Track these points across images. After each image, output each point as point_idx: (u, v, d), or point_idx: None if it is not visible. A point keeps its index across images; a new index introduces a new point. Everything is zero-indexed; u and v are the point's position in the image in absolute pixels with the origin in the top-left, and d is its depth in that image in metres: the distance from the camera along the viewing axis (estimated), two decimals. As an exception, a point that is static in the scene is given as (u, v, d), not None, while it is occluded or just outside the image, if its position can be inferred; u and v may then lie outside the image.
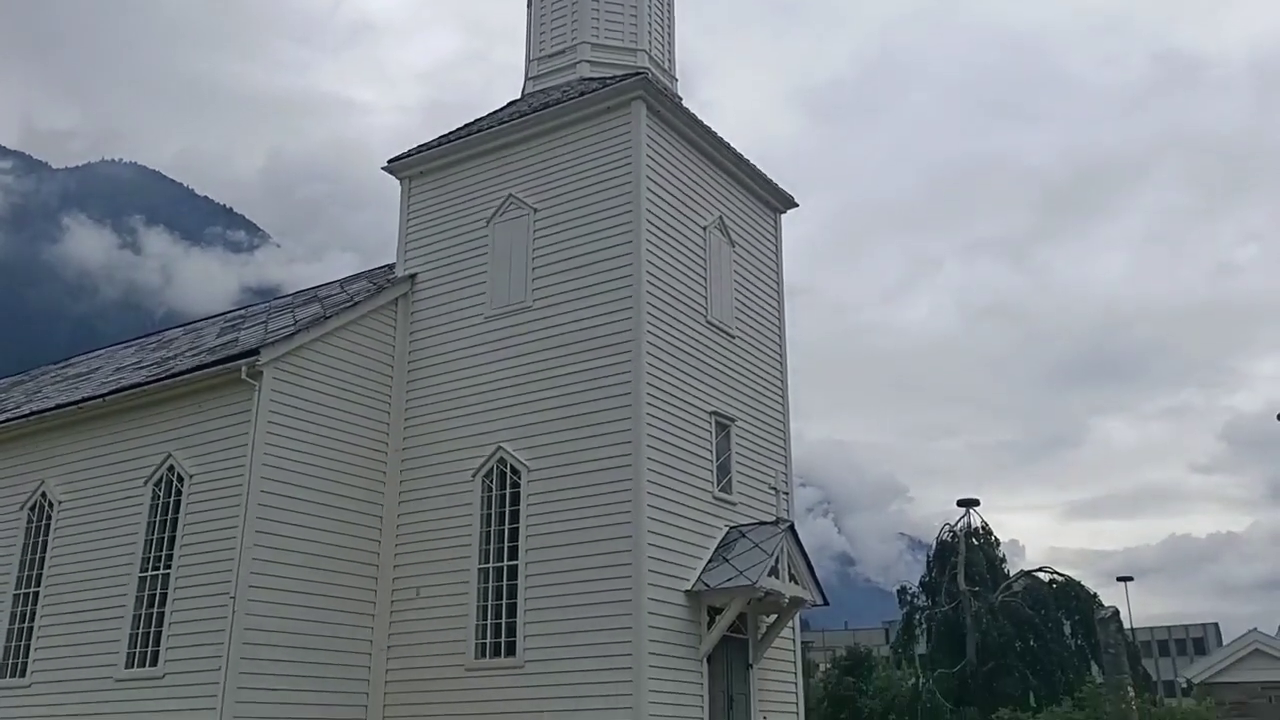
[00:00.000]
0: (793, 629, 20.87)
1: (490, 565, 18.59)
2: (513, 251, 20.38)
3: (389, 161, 22.80)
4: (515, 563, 18.27)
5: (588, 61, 22.69)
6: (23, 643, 20.00)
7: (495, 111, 23.10)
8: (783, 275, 23.74)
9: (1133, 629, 52.88)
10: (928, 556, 49.30)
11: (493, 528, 18.81)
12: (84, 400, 20.78)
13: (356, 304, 20.43)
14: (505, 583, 18.31)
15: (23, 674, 19.68)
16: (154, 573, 18.49)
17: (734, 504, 19.81)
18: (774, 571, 18.53)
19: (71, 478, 20.53)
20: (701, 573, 18.28)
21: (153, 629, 18.07)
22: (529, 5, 24.50)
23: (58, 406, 21.31)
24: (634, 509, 17.34)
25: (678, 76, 24.14)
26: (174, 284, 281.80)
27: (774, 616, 19.72)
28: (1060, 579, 45.13)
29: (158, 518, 18.86)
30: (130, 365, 24.02)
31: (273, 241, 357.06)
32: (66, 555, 19.96)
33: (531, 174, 20.73)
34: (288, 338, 18.73)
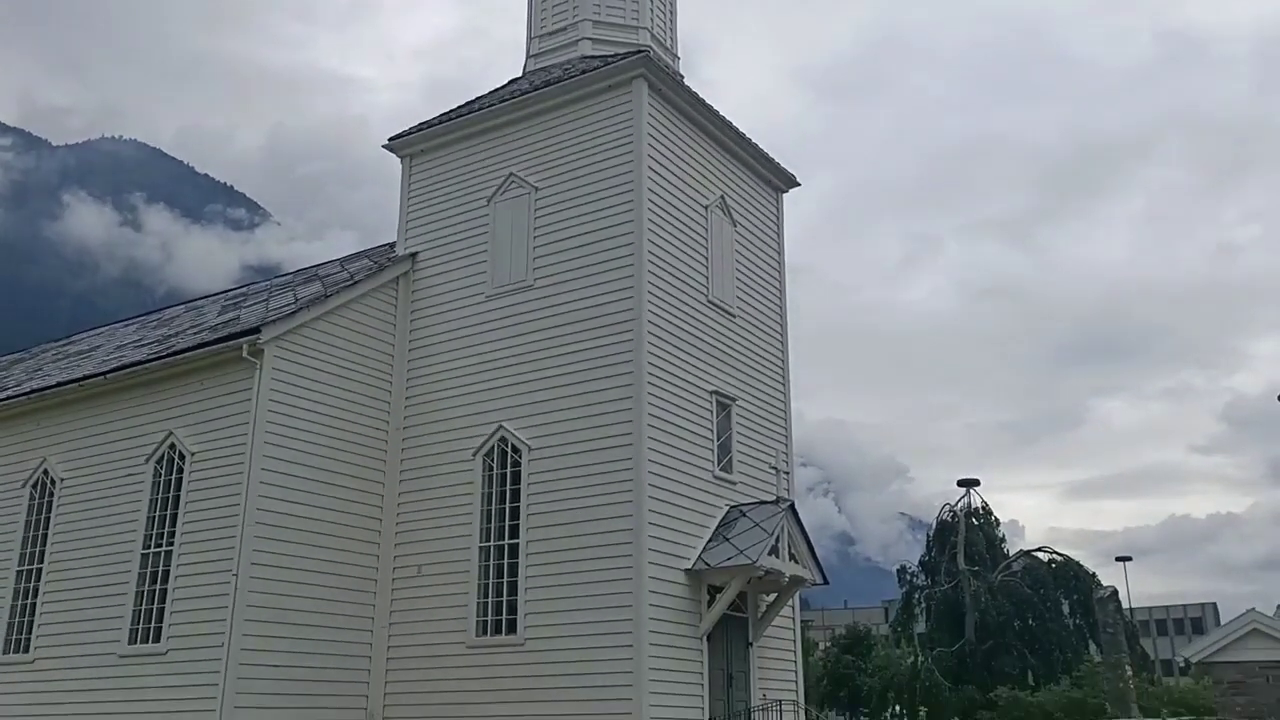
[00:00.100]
0: (792, 608, 20.95)
1: (491, 544, 18.65)
2: (514, 230, 20.33)
3: (389, 139, 22.72)
4: (516, 541, 18.33)
5: (589, 39, 22.58)
6: (26, 619, 20.09)
7: (496, 89, 23.01)
8: (784, 255, 23.70)
9: (1131, 608, 53.11)
10: (927, 536, 49.46)
11: (493, 506, 18.85)
12: (85, 378, 20.80)
13: (357, 283, 20.41)
14: (506, 561, 18.37)
15: (26, 650, 19.78)
16: (156, 550, 18.54)
17: (734, 483, 19.85)
18: (774, 550, 18.58)
19: (73, 455, 20.57)
20: (702, 551, 18.34)
21: (155, 605, 18.15)
22: (530, -18, 24.33)
23: (59, 384, 21.33)
24: (634, 488, 17.37)
25: (679, 55, 24.02)
26: (174, 261, 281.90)
27: (774, 595, 19.79)
28: (1059, 559, 45.28)
29: (159, 495, 18.91)
30: (131, 343, 24.03)
31: (273, 219, 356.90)
32: (69, 532, 20.03)
33: (532, 152, 20.66)
34: (289, 316, 18.72)
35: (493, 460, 19.13)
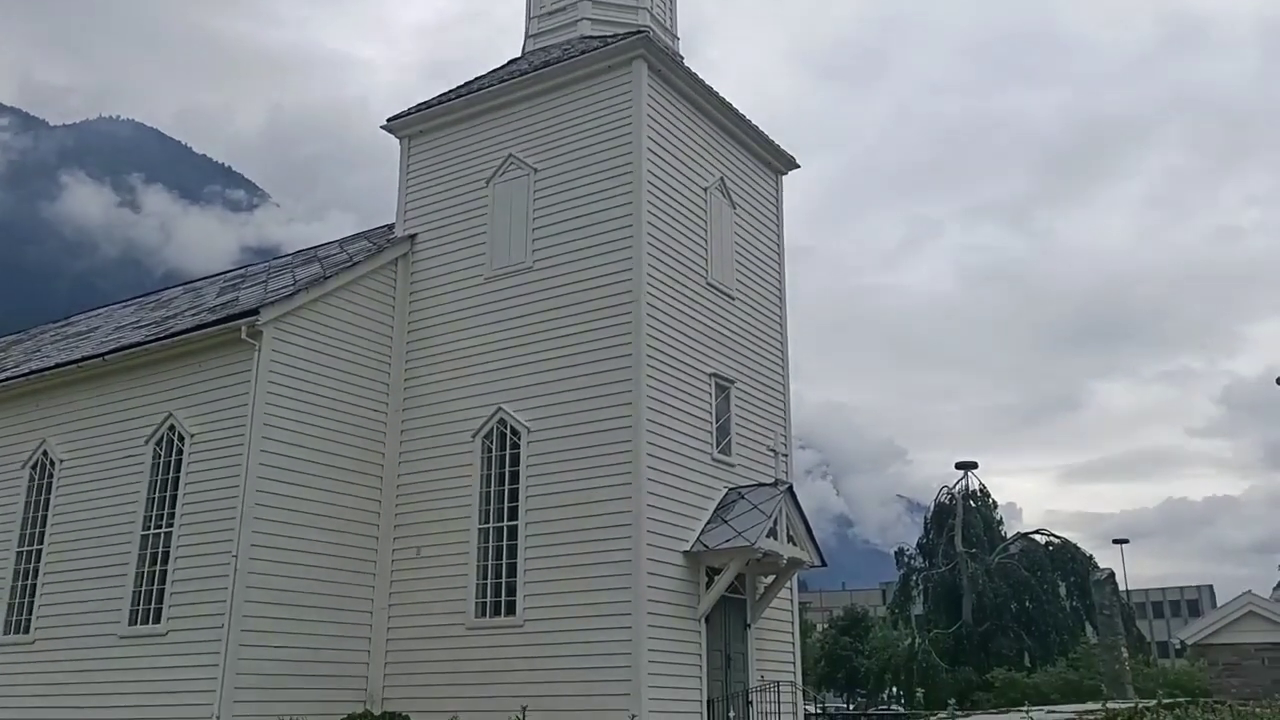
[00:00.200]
0: (790, 590, 21.01)
1: (490, 525, 18.69)
2: (513, 212, 20.29)
3: (388, 120, 22.64)
4: (515, 523, 18.36)
5: (589, 19, 22.46)
6: (26, 600, 20.14)
7: (495, 70, 22.91)
8: (783, 237, 23.66)
9: (1128, 591, 53.26)
10: (925, 519, 49.72)
11: (493, 488, 18.88)
12: (84, 359, 20.79)
13: (356, 264, 20.38)
14: (505, 543, 18.41)
15: (26, 631, 19.84)
16: (156, 531, 18.58)
17: (733, 465, 19.88)
18: (772, 533, 18.62)
19: (72, 436, 20.59)
20: (700, 534, 18.38)
21: (155, 587, 18.19)
22: (529, -38, 24.19)
23: (57, 365, 21.32)
24: (633, 470, 17.40)
25: (679, 35, 23.90)
26: (173, 242, 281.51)
27: (772, 577, 19.85)
28: (1056, 541, 45.52)
29: (159, 477, 18.93)
30: (130, 324, 24.00)
31: (272, 201, 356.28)
32: (69, 513, 20.06)
33: (531, 133, 20.59)
34: (288, 297, 18.70)
35: (492, 442, 19.15)
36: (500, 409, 19.08)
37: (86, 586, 19.06)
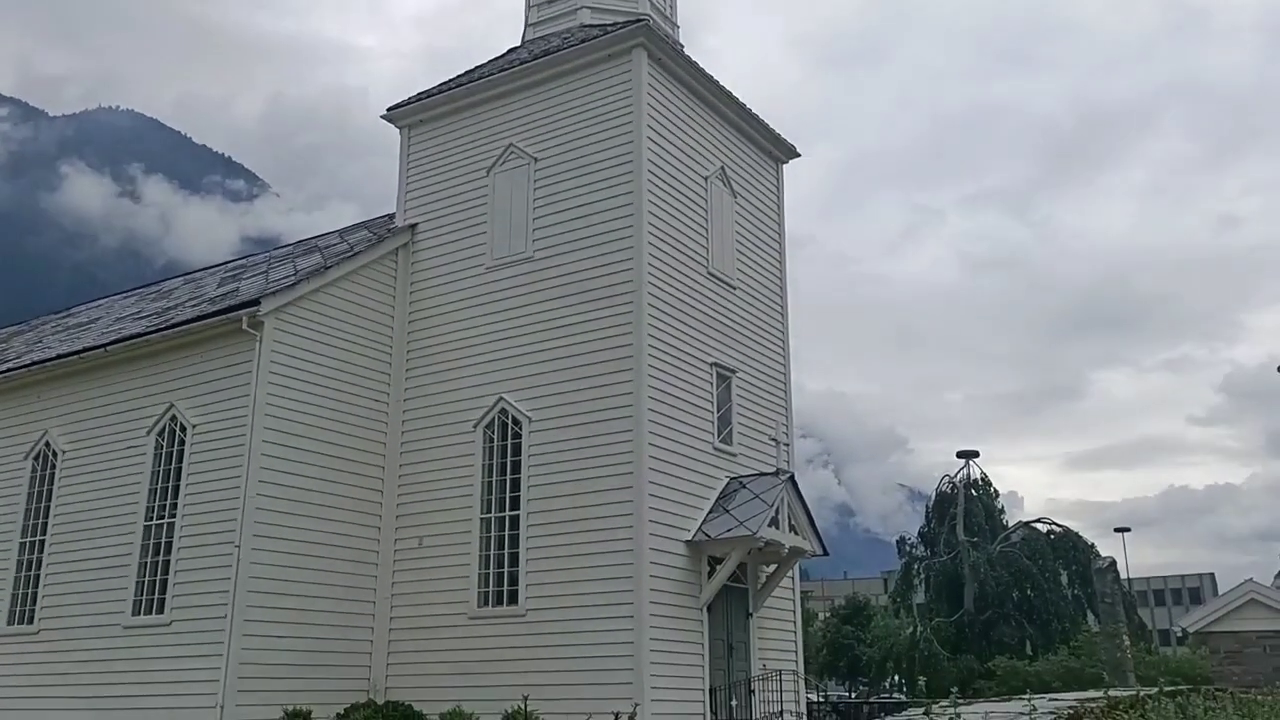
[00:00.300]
0: (792, 579, 21.04)
1: (492, 515, 18.70)
2: (513, 201, 20.25)
3: (388, 110, 22.59)
4: (517, 513, 18.38)
5: (588, 8, 22.38)
6: (30, 590, 20.19)
7: (495, 59, 22.85)
8: (784, 226, 23.62)
9: (1129, 579, 53.38)
10: (927, 507, 49.74)
11: (494, 478, 18.90)
12: (85, 350, 20.79)
13: (357, 254, 20.36)
14: (507, 532, 18.43)
15: (31, 621, 19.89)
16: (158, 522, 18.60)
17: (734, 455, 19.88)
18: (774, 522, 18.64)
19: (74, 427, 20.60)
20: (702, 523, 18.40)
21: (159, 577, 18.23)
22: (529, -50, 24.10)
23: (59, 356, 21.33)
24: (635, 460, 17.40)
25: (679, 23, 23.81)
26: (173, 233, 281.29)
27: (774, 566, 19.87)
28: (1058, 530, 45.53)
29: (161, 467, 18.95)
30: (130, 315, 24.00)
31: (272, 191, 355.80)
32: (71, 504, 20.09)
33: (531, 123, 20.54)
34: (288, 288, 18.69)
35: (493, 432, 19.16)
36: (501, 399, 19.07)
37: (90, 577, 19.10)
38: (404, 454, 19.90)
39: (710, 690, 17.81)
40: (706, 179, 20.84)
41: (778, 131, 23.22)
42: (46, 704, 18.45)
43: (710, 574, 18.28)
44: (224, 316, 18.52)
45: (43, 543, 20.31)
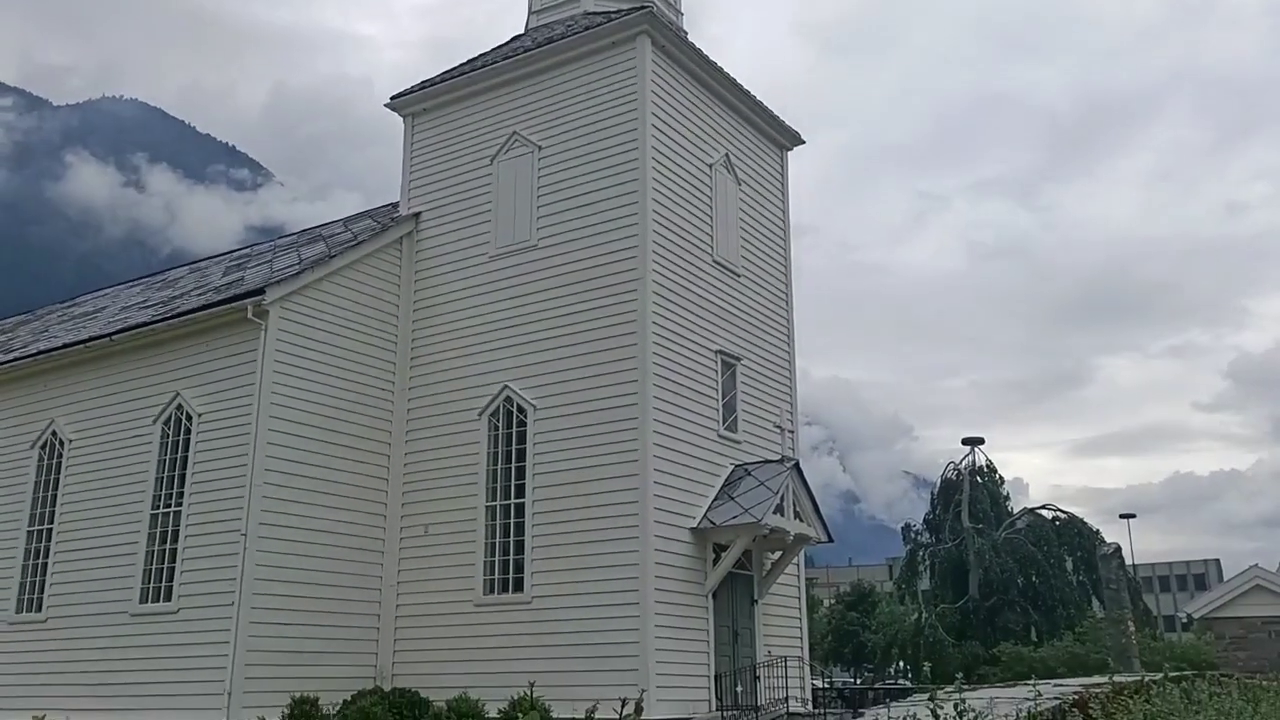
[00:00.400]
0: (797, 565, 21.07)
1: (498, 503, 18.74)
2: (517, 190, 20.23)
3: (392, 98, 22.55)
4: (522, 501, 18.41)
5: (592, -5, 22.30)
6: (38, 579, 20.27)
7: (499, 47, 22.80)
8: (789, 213, 23.58)
9: (1134, 565, 53.37)
10: (932, 494, 49.77)
11: (499, 466, 18.93)
12: (91, 339, 20.84)
13: (361, 243, 20.36)
14: (512, 520, 18.47)
15: (39, 609, 19.98)
16: (165, 510, 18.67)
17: (739, 442, 19.89)
18: (779, 509, 18.66)
19: (81, 416, 20.66)
20: (707, 510, 18.42)
21: (166, 565, 18.30)
22: (532, -63, 24.01)
23: (65, 346, 21.38)
24: (640, 447, 17.42)
25: (683, 10, 23.75)
26: (178, 222, 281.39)
27: (779, 553, 19.90)
28: (1063, 516, 45.54)
29: (167, 456, 19.01)
30: (136, 304, 24.04)
31: (276, 180, 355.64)
32: (78, 493, 20.16)
33: (535, 111, 20.50)
34: (293, 277, 18.71)
35: (498, 420, 19.18)
36: (506, 387, 19.09)
37: (97, 565, 19.19)
38: (409, 442, 19.94)
39: (716, 677, 17.86)
40: (711, 166, 20.80)
41: (782, 118, 23.16)
42: (55, 691, 18.53)
43: (715, 561, 18.31)
44: (229, 305, 18.55)
45: (50, 531, 20.39)
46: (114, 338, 20.24)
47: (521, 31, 23.42)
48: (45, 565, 20.22)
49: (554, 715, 14.90)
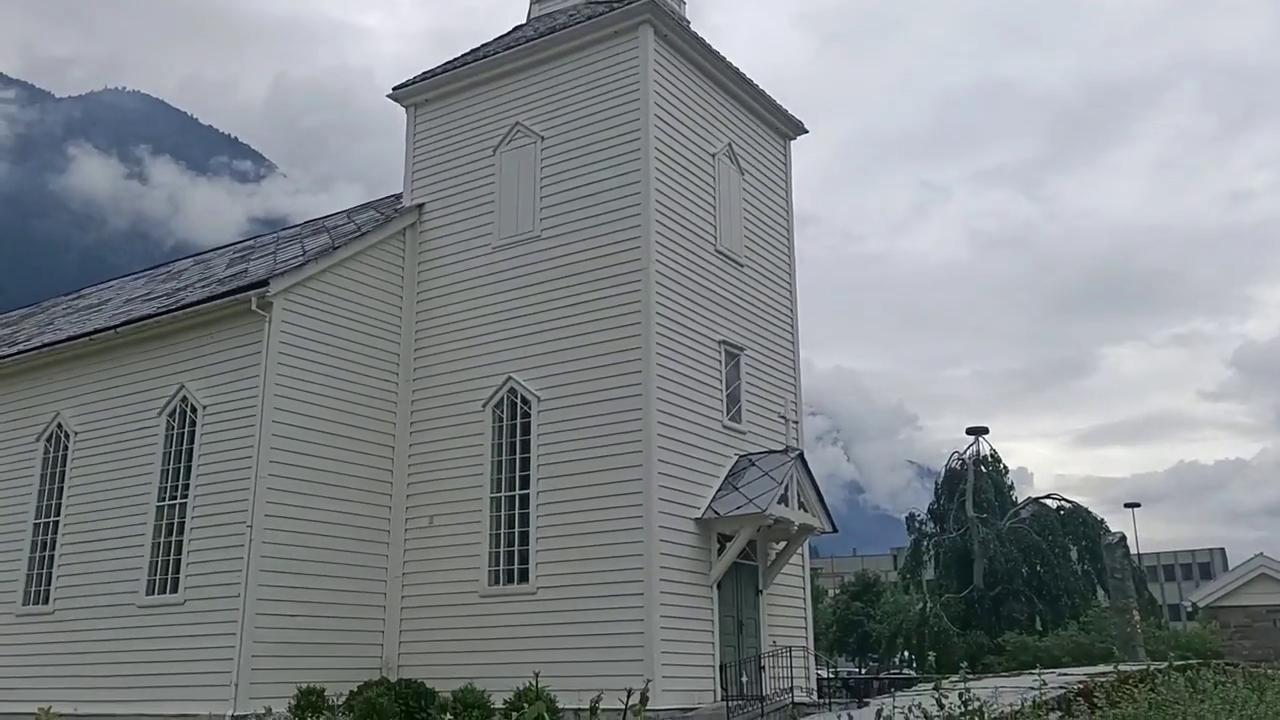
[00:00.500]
0: (802, 555, 21.08)
1: (502, 494, 18.76)
2: (520, 180, 20.21)
3: (394, 89, 22.52)
4: (527, 492, 18.43)
5: (595, -15, 22.23)
6: (45, 571, 20.33)
7: (501, 37, 22.76)
8: (792, 203, 23.53)
9: (1139, 554, 53.32)
10: (936, 484, 49.70)
11: (504, 457, 18.94)
12: (95, 332, 20.86)
13: (364, 234, 20.36)
14: (517, 511, 18.49)
15: (46, 601, 20.04)
16: (171, 502, 18.71)
17: (743, 433, 19.89)
18: (783, 499, 18.66)
19: (86, 409, 20.69)
20: (712, 501, 18.43)
21: (172, 557, 18.35)
22: (534, -74, 23.93)
23: (70, 338, 21.40)
24: (644, 438, 17.42)
25: (685, 0, 23.68)
26: (182, 214, 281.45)
27: (783, 543, 19.91)
28: (1068, 506, 45.48)
29: (173, 448, 19.04)
30: (140, 297, 24.06)
31: (279, 171, 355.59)
32: (84, 485, 20.20)
33: (538, 101, 20.46)
34: (297, 269, 18.71)
35: (502, 411, 19.19)
36: (510, 378, 19.09)
37: (104, 557, 19.24)
38: (414, 434, 19.95)
39: (721, 667, 17.89)
40: (714, 156, 20.76)
41: (785, 108, 23.10)
42: (62, 683, 18.60)
43: (720, 551, 18.33)
44: (233, 297, 18.56)
45: (57, 524, 20.45)
46: (118, 330, 20.26)
47: (524, 21, 23.37)
48: (52, 558, 20.28)
49: (559, 705, 14.91)
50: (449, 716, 15.21)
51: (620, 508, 17.32)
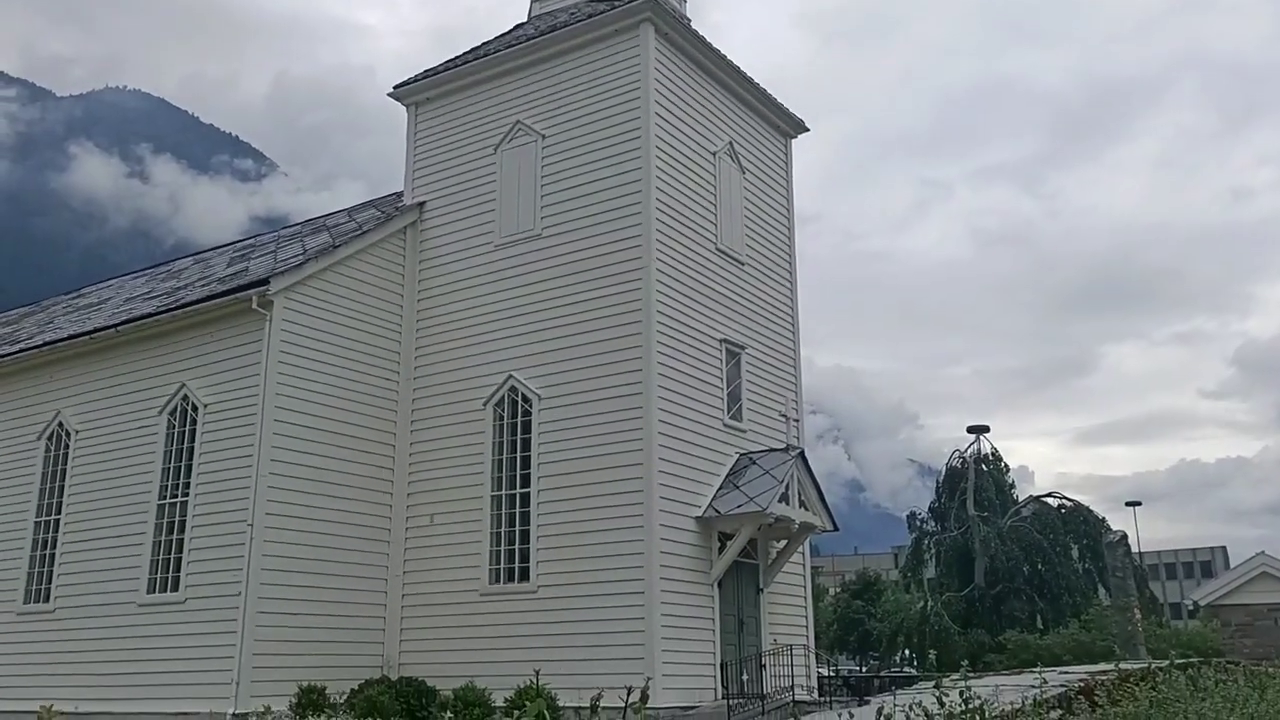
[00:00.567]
0: (802, 554, 21.07)
1: (503, 493, 18.76)
2: (520, 178, 20.20)
3: (395, 87, 22.51)
4: (528, 490, 18.43)
5: (595, -17, 22.22)
6: (46, 569, 20.34)
7: (502, 35, 22.74)
8: (793, 201, 23.51)
9: (1140, 553, 53.29)
10: (937, 482, 49.70)
11: (504, 456, 18.94)
12: (96, 330, 20.86)
13: (365, 233, 20.35)
14: (518, 510, 18.49)
15: (47, 600, 20.05)
16: (172, 501, 18.72)
17: (744, 431, 19.88)
18: (784, 498, 18.66)
19: (87, 408, 20.70)
20: (712, 499, 18.42)
21: (173, 556, 18.36)
22: (535, -76, 23.91)
23: (70, 337, 21.41)
24: (645, 436, 17.42)
25: (687, -2, 23.67)
26: (182, 213, 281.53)
27: (784, 542, 19.90)
28: (1068, 504, 45.48)
29: (174, 446, 19.05)
30: (141, 295, 24.06)
31: (280, 170, 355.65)
32: (85, 484, 20.21)
33: (539, 99, 20.45)
34: (297, 267, 18.71)
35: (503, 409, 19.18)
36: (511, 376, 19.09)
37: (105, 556, 19.25)
38: (414, 432, 19.95)
39: (721, 665, 17.89)
40: (715, 155, 20.74)
41: (786, 106, 23.08)
42: (63, 681, 18.60)
43: (721, 550, 18.32)
44: (234, 296, 18.56)
45: (57, 522, 20.45)
46: (119, 329, 20.26)
47: (524, 20, 23.36)
48: (53, 556, 20.29)
49: (560, 703, 14.91)
50: (450, 715, 15.22)
51: (621, 506, 17.31)
